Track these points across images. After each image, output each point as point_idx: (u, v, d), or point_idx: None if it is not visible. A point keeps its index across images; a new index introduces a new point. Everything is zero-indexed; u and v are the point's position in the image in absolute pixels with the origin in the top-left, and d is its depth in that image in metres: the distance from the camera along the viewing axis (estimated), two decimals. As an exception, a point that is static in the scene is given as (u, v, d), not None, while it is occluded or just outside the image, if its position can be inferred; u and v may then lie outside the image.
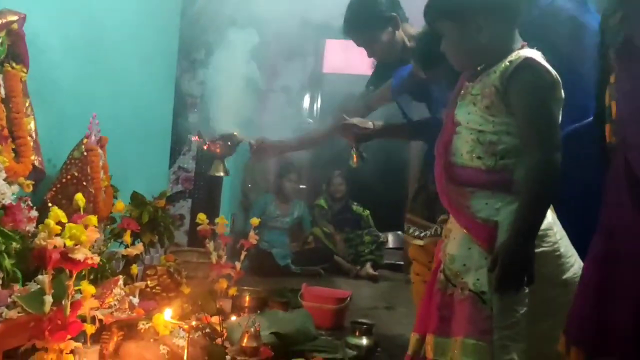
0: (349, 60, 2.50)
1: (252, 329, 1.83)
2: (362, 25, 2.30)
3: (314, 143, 2.90)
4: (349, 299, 2.71)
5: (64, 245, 1.48)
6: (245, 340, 1.81)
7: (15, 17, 1.87)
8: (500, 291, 1.25)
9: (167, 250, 3.04)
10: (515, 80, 1.32)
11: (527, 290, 1.27)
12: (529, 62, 1.32)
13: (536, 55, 1.35)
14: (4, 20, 1.82)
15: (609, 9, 1.13)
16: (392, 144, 4.61)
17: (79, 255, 1.47)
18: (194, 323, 1.89)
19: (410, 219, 2.18)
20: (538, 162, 1.27)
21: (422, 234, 2.10)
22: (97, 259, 1.61)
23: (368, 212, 4.94)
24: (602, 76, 1.16)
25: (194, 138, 2.86)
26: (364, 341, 2.16)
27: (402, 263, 4.66)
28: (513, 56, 1.34)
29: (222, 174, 2.69)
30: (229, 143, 2.65)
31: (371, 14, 2.28)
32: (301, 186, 4.87)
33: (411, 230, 2.15)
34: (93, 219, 1.61)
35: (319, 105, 5.72)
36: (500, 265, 1.24)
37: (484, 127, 1.35)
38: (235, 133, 2.67)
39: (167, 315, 1.73)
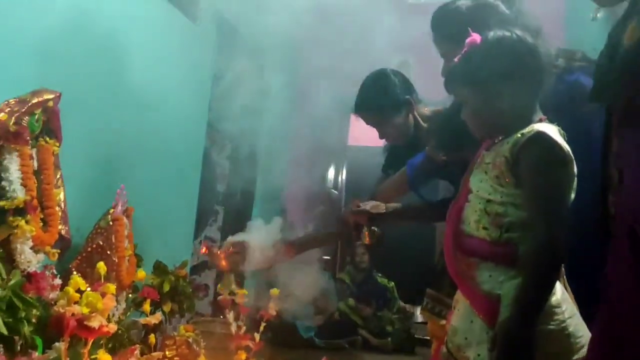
0: (374, 132, 2.57)
1: (265, 403, 1.80)
2: (376, 108, 2.29)
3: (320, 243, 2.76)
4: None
5: (82, 313, 1.52)
6: (258, 415, 1.78)
7: (51, 96, 2.00)
8: None
9: (190, 319, 3.04)
10: (524, 153, 1.32)
11: None
12: (540, 135, 1.32)
13: (551, 130, 1.34)
14: (40, 99, 1.95)
15: (608, 75, 1.13)
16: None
17: (95, 322, 1.50)
18: (206, 396, 1.86)
19: (431, 294, 2.07)
20: (541, 241, 1.25)
21: (442, 312, 2.02)
22: (113, 327, 1.64)
23: (393, 283, 4.89)
24: (605, 144, 1.16)
25: (203, 250, 2.55)
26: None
27: (428, 338, 4.54)
28: (527, 129, 1.34)
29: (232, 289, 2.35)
30: (237, 252, 2.44)
31: (385, 98, 2.26)
32: (325, 257, 4.86)
33: (430, 306, 2.05)
34: (111, 287, 1.65)
35: (343, 177, 5.80)
36: (499, 345, 1.21)
37: (493, 196, 1.35)
38: (245, 240, 2.44)
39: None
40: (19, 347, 1.56)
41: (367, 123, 2.39)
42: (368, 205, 2.23)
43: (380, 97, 2.29)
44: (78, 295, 1.56)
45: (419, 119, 2.28)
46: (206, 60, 3.78)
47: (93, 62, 2.56)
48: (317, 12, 3.04)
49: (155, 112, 3.07)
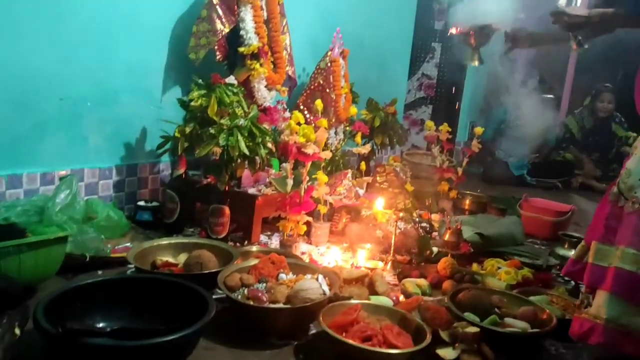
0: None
1: (454, 226, 2.05)
2: None
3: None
4: (570, 213, 2.69)
5: (300, 142, 1.89)
6: (447, 236, 2.05)
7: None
8: None
9: (403, 152, 3.37)
10: None
11: None
12: None
13: None
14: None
15: None
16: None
17: (309, 150, 1.86)
18: (401, 215, 2.19)
19: None
20: None
21: None
22: (327, 154, 1.99)
23: (629, 134, 4.44)
24: None
25: (452, 30, 2.99)
26: (571, 253, 2.19)
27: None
28: None
29: (476, 63, 2.77)
30: (485, 31, 2.70)
31: None
32: (549, 96, 4.62)
33: None
34: (324, 121, 1.98)
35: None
36: None
37: None
38: (492, 24, 2.70)
39: (378, 204, 2.04)
40: (258, 166, 2.02)
41: None
42: (566, 9, 2.19)
43: None
44: (298, 127, 1.91)
45: None
46: None
47: None
48: None
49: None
